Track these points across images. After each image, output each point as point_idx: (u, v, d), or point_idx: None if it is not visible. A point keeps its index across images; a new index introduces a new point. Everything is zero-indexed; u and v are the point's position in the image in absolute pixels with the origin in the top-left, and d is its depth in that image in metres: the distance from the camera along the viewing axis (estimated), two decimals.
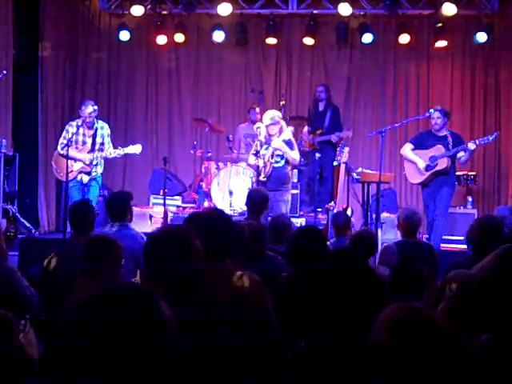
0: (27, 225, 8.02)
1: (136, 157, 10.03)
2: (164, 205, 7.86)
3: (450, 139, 7.11)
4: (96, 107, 7.17)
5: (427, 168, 7.13)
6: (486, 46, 9.53)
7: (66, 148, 6.76)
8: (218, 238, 2.68)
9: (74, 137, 7.07)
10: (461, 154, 7.09)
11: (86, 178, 7.16)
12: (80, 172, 7.13)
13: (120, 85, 10.29)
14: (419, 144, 7.29)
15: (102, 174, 7.37)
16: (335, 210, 6.90)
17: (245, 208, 6.60)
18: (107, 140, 7.22)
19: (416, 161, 7.23)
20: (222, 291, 2.54)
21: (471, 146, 6.97)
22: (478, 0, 9.33)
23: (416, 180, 7.33)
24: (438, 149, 7.11)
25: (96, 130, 7.17)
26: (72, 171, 7.03)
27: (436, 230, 7.15)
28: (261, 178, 8.47)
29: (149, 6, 9.62)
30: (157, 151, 10.23)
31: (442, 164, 7.07)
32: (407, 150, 7.37)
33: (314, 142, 9.10)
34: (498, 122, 9.70)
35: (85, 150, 7.13)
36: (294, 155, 7.17)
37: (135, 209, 8.23)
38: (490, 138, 7.17)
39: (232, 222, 2.88)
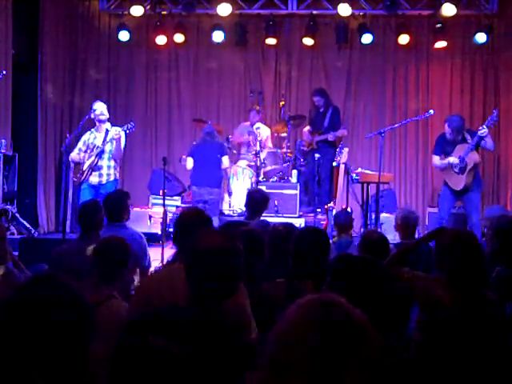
0: (27, 225, 8.02)
1: (135, 157, 10.11)
2: (163, 205, 7.85)
3: (467, 135, 7.01)
4: (97, 105, 7.22)
5: (461, 170, 6.91)
6: (486, 47, 9.53)
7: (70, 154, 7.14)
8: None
9: (88, 141, 7.19)
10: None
11: (95, 180, 7.14)
12: (90, 169, 7.12)
13: (119, 85, 10.29)
14: (443, 151, 7.10)
15: (116, 179, 7.30)
16: (334, 211, 6.90)
17: (244, 208, 6.61)
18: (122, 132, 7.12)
19: (449, 161, 6.98)
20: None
21: (481, 132, 6.82)
22: (477, 1, 9.34)
23: (460, 185, 6.97)
24: (461, 148, 6.94)
25: (107, 131, 7.15)
26: (83, 171, 7.11)
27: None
28: (260, 178, 8.50)
29: (148, 7, 9.62)
30: (156, 151, 10.24)
31: (471, 161, 6.87)
32: (437, 160, 7.17)
33: (312, 142, 9.13)
34: (498, 122, 9.69)
35: (94, 152, 7.14)
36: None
37: (135, 209, 8.30)
38: (495, 117, 6.99)
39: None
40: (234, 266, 2.31)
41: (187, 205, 9.10)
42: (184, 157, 8.48)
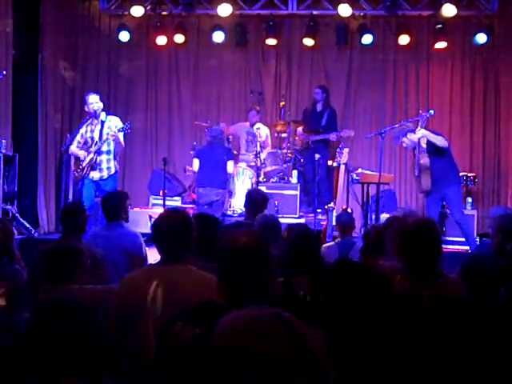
0: (27, 225, 8.02)
1: (136, 157, 10.11)
2: (163, 205, 7.86)
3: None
4: (91, 99, 7.22)
5: (419, 173, 7.00)
6: (486, 47, 9.53)
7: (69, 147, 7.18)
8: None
9: (86, 135, 7.20)
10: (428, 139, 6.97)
11: (96, 175, 7.15)
12: (90, 166, 7.12)
13: (120, 85, 10.29)
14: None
15: (117, 171, 7.34)
16: (335, 211, 6.90)
17: (244, 209, 6.60)
18: (119, 132, 7.11)
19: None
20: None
21: (416, 136, 6.91)
22: (477, 1, 9.34)
23: (422, 188, 7.13)
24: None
25: (103, 123, 7.17)
26: (83, 168, 7.11)
27: (466, 232, 7.03)
28: (260, 178, 8.50)
29: (149, 7, 9.62)
30: (156, 152, 10.23)
31: (421, 164, 6.97)
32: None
33: (307, 141, 9.11)
34: (498, 122, 9.70)
35: (93, 148, 7.16)
36: None
37: (135, 209, 8.30)
38: (426, 116, 7.01)
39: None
40: (264, 266, 2.29)
41: (187, 205, 9.11)
42: (188, 167, 8.47)
